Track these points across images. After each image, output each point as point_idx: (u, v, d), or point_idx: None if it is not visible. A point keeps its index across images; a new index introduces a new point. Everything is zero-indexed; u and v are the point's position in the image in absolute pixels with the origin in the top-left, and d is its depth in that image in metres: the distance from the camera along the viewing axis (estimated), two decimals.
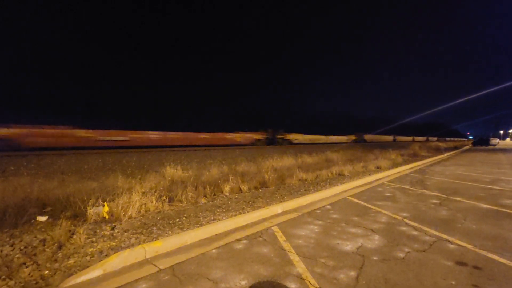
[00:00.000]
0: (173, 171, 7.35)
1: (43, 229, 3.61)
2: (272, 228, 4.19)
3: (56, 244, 3.14)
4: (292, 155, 13.09)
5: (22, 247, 3.05)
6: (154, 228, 3.85)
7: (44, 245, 3.13)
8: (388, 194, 6.71)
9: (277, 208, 5.05)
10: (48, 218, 4.02)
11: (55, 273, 2.63)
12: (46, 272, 2.65)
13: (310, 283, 2.60)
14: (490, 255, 3.24)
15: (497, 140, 50.15)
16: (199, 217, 4.37)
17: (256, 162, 10.19)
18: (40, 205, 4.44)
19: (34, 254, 2.92)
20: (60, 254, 2.99)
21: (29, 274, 2.57)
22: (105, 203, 4.17)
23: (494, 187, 7.71)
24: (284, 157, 12.00)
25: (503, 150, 30.20)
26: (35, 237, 3.34)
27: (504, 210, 5.25)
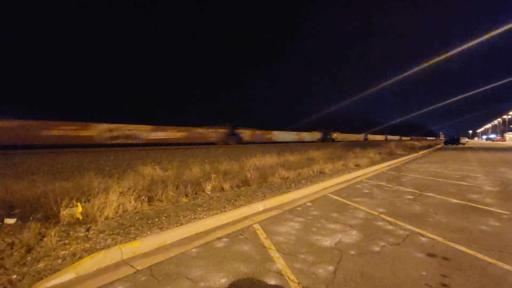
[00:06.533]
0: (152, 171, 7.17)
1: (11, 232, 3.40)
2: (253, 225, 4.20)
3: (24, 247, 2.97)
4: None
5: None
6: (132, 228, 3.74)
7: (12, 248, 2.96)
8: (366, 191, 6.93)
9: (259, 206, 5.08)
10: (17, 220, 3.79)
11: (23, 277, 2.49)
12: (14, 276, 2.50)
13: (289, 278, 2.64)
14: (458, 246, 3.44)
15: (466, 139, 53.60)
16: (179, 216, 4.30)
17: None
18: (8, 207, 4.18)
19: (1, 258, 2.75)
20: (29, 257, 2.83)
21: None
22: (78, 204, 3.99)
23: (463, 183, 8.19)
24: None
25: (471, 149, 32.30)
26: (3, 240, 3.14)
27: (471, 204, 5.59)
